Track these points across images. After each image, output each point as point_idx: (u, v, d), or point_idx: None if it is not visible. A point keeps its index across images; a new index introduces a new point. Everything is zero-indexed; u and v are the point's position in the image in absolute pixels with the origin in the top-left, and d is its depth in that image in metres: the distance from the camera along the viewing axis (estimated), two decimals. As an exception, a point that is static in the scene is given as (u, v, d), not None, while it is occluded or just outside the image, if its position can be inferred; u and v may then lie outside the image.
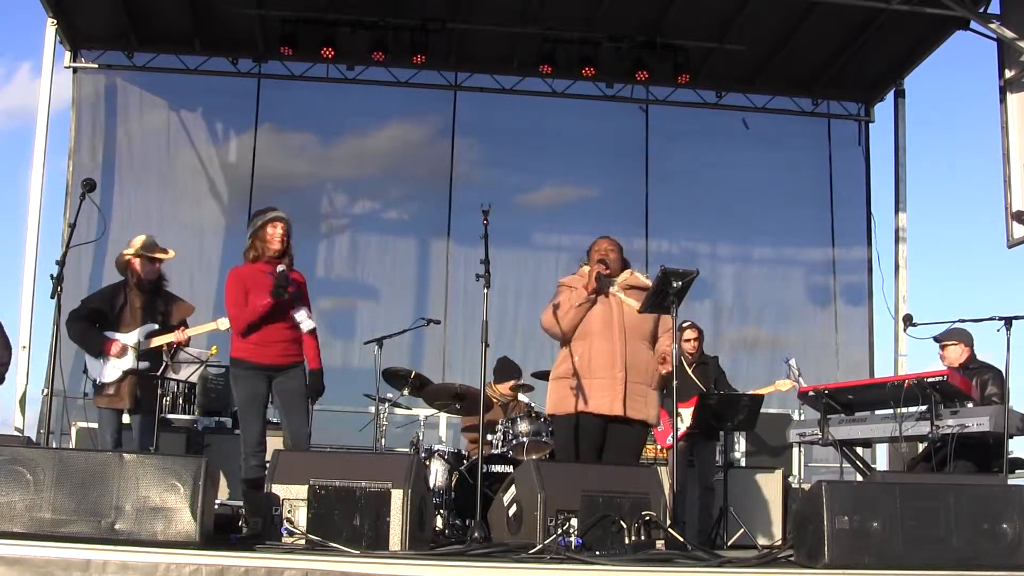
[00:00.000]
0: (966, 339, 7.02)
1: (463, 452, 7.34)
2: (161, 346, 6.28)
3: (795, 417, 9.36)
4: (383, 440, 7.33)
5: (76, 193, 9.61)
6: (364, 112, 11.09)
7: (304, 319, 6.03)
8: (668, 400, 5.77)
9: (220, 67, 10.76)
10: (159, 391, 6.53)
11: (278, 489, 4.82)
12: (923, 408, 6.15)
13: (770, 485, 8.26)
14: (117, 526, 4.35)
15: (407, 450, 7.60)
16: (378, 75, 10.82)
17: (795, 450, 9.25)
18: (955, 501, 4.72)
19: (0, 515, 4.32)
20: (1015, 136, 9.15)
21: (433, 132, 11.33)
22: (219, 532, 4.90)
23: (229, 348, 6.05)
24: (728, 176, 11.25)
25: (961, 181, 19.88)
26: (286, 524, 4.74)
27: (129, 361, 6.28)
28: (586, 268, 5.85)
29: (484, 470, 5.89)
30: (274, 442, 6.18)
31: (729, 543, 7.29)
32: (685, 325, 7.80)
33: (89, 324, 6.33)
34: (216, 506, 4.97)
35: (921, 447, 6.98)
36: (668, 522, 5.15)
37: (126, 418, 6.36)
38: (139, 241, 6.50)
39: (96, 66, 10.59)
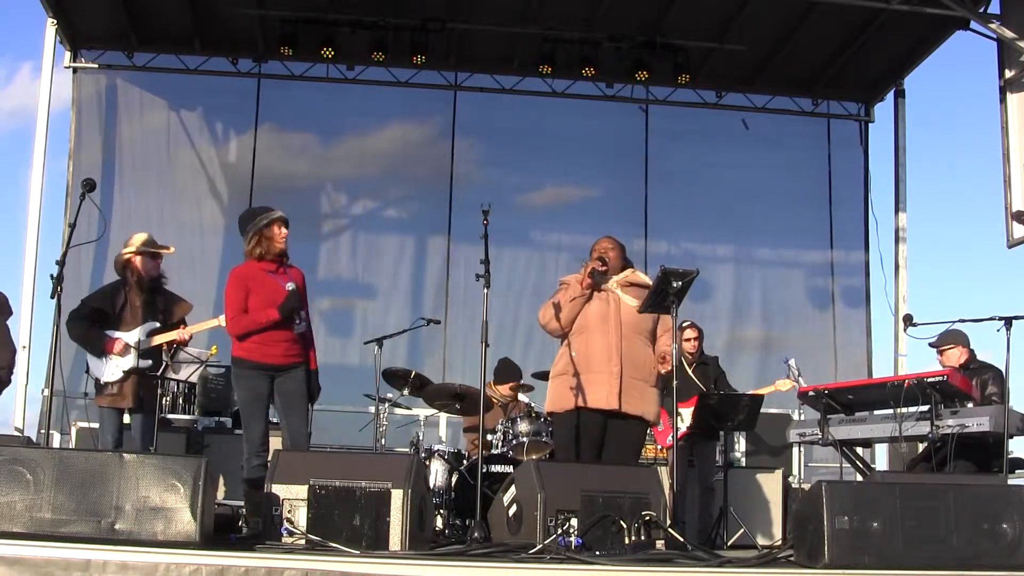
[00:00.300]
0: (962, 340, 7.02)
1: (463, 452, 7.35)
2: (162, 345, 6.29)
3: (795, 417, 9.36)
4: (383, 440, 7.33)
5: (76, 193, 9.62)
6: (364, 112, 11.09)
7: (299, 321, 6.04)
8: (668, 400, 5.78)
9: (220, 67, 10.76)
10: (159, 391, 6.53)
11: (278, 489, 4.82)
12: (923, 408, 6.15)
13: (770, 485, 8.26)
14: (117, 526, 4.35)
15: (407, 450, 7.60)
16: (378, 75, 10.82)
17: (795, 450, 9.26)
18: (955, 501, 4.72)
19: (0, 515, 4.32)
20: (1015, 136, 9.16)
21: (433, 132, 11.33)
22: (219, 532, 4.90)
23: (230, 348, 6.04)
24: (728, 176, 11.25)
25: (961, 181, 19.90)
26: (286, 524, 4.74)
27: (131, 360, 6.28)
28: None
29: (484, 470, 5.89)
30: (274, 442, 6.18)
31: (729, 543, 7.29)
32: (685, 325, 7.80)
33: (90, 324, 6.33)
34: (216, 506, 4.97)
35: (921, 447, 6.98)
36: (668, 522, 5.15)
37: (127, 418, 6.36)
38: (139, 239, 6.50)
39: (96, 66, 10.59)
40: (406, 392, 7.46)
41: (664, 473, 7.01)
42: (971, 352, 7.03)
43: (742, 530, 7.52)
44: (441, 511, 6.64)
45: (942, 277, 20.34)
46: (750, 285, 11.42)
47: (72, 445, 7.99)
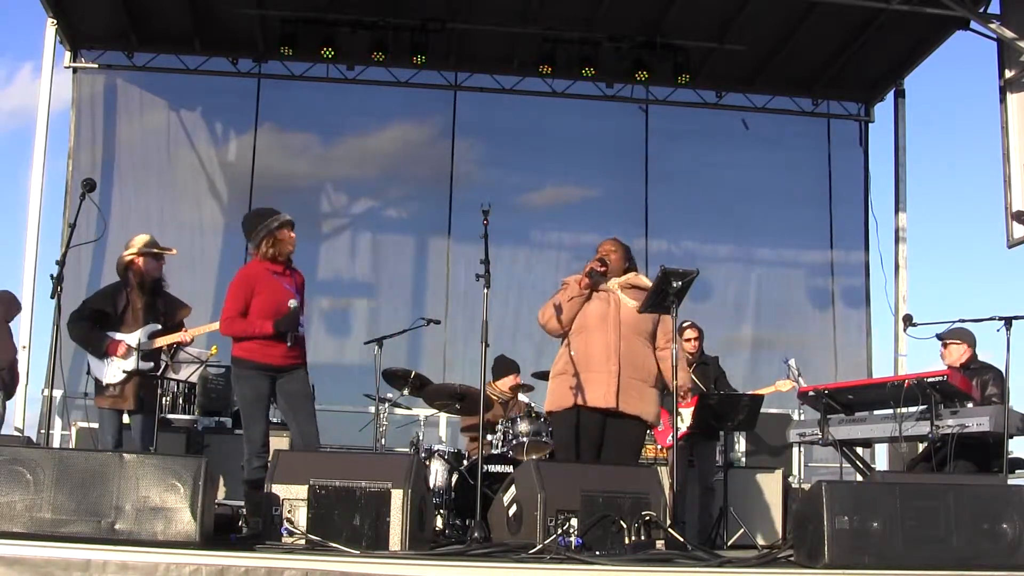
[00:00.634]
0: (969, 339, 7.00)
1: (463, 452, 7.35)
2: (162, 346, 6.29)
3: (795, 417, 9.36)
4: (383, 440, 7.33)
5: (76, 193, 9.62)
6: (364, 112, 11.09)
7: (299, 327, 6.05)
8: (668, 400, 5.78)
9: (220, 67, 10.76)
10: (159, 391, 6.53)
11: (278, 489, 4.82)
12: (923, 408, 6.14)
13: (770, 485, 8.26)
14: (117, 526, 4.35)
15: (407, 450, 7.60)
16: (378, 75, 10.82)
17: (795, 450, 9.26)
18: (955, 501, 4.72)
19: (0, 515, 4.32)
20: (1015, 136, 9.16)
21: (433, 132, 11.33)
22: (219, 532, 4.90)
23: (230, 348, 6.04)
24: (728, 176, 11.25)
25: (961, 181, 19.91)
26: (286, 524, 4.74)
27: (132, 362, 6.28)
28: None
29: (484, 470, 5.89)
30: (275, 443, 6.18)
31: (729, 543, 7.29)
32: (685, 325, 7.81)
33: (92, 325, 6.34)
34: (216, 506, 4.97)
35: (921, 447, 6.98)
36: (668, 522, 5.15)
37: (126, 418, 6.37)
38: (140, 240, 6.51)
39: (96, 66, 10.59)
40: (406, 392, 7.46)
41: (664, 473, 7.00)
42: (974, 352, 7.03)
43: (742, 530, 7.52)
44: (441, 511, 6.64)
45: (942, 277, 20.36)
46: (750, 285, 11.43)
47: (72, 445, 7.98)
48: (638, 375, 5.71)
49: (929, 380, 6.06)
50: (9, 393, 7.87)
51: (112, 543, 4.25)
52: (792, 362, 7.78)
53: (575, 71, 10.51)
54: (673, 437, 5.74)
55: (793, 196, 11.49)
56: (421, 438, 7.42)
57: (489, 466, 6.55)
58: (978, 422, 5.95)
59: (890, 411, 6.42)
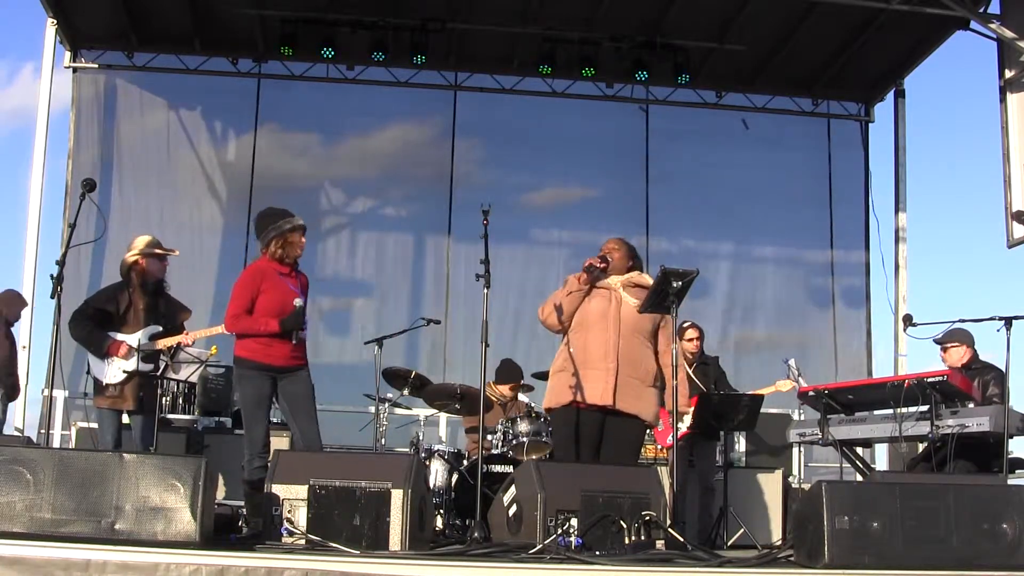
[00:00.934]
0: (968, 340, 6.99)
1: (463, 452, 7.34)
2: (163, 347, 6.30)
3: (795, 417, 9.36)
4: (383, 440, 7.33)
5: (76, 193, 9.63)
6: (365, 112, 11.09)
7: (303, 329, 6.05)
8: (668, 400, 5.77)
9: (220, 67, 10.77)
10: (159, 391, 6.54)
11: (278, 489, 4.82)
12: (923, 408, 6.14)
13: (770, 485, 8.26)
14: (117, 526, 4.35)
15: (407, 450, 7.60)
16: (378, 75, 10.83)
17: (795, 450, 9.25)
18: (955, 501, 4.71)
19: (0, 515, 4.32)
20: (1015, 136, 9.16)
21: (433, 132, 11.33)
22: (219, 532, 4.90)
23: (232, 348, 6.03)
24: (728, 176, 11.25)
25: (961, 181, 19.92)
26: (286, 524, 4.74)
27: (133, 363, 6.29)
28: None
29: (484, 470, 5.89)
30: (275, 443, 6.18)
31: (729, 543, 7.29)
32: (686, 325, 7.80)
33: (94, 324, 6.34)
34: (216, 506, 4.97)
35: (921, 447, 6.97)
36: (668, 522, 5.14)
37: (126, 418, 6.37)
38: (143, 241, 6.52)
39: (96, 66, 10.59)
40: (406, 392, 7.46)
41: (664, 473, 7.00)
42: (974, 353, 7.02)
43: (742, 530, 7.52)
44: (441, 511, 6.64)
45: (942, 277, 20.37)
46: (750, 285, 11.43)
47: (72, 445, 7.98)
48: (636, 374, 5.70)
49: (929, 380, 6.06)
50: (11, 395, 7.89)
51: (112, 543, 4.25)
52: (792, 362, 7.77)
53: (575, 71, 10.52)
54: (673, 437, 5.73)
55: (793, 196, 11.49)
56: (421, 438, 7.42)
57: (489, 466, 6.55)
58: (978, 422, 5.95)
59: (890, 411, 6.41)
